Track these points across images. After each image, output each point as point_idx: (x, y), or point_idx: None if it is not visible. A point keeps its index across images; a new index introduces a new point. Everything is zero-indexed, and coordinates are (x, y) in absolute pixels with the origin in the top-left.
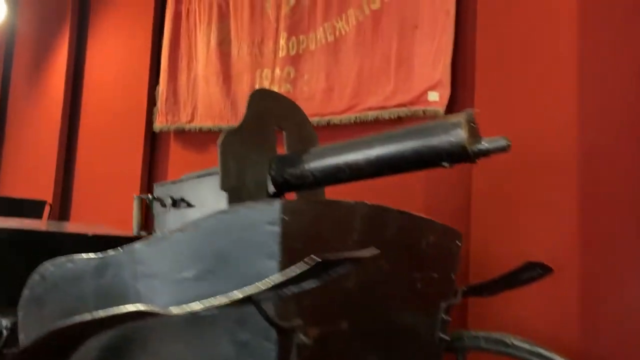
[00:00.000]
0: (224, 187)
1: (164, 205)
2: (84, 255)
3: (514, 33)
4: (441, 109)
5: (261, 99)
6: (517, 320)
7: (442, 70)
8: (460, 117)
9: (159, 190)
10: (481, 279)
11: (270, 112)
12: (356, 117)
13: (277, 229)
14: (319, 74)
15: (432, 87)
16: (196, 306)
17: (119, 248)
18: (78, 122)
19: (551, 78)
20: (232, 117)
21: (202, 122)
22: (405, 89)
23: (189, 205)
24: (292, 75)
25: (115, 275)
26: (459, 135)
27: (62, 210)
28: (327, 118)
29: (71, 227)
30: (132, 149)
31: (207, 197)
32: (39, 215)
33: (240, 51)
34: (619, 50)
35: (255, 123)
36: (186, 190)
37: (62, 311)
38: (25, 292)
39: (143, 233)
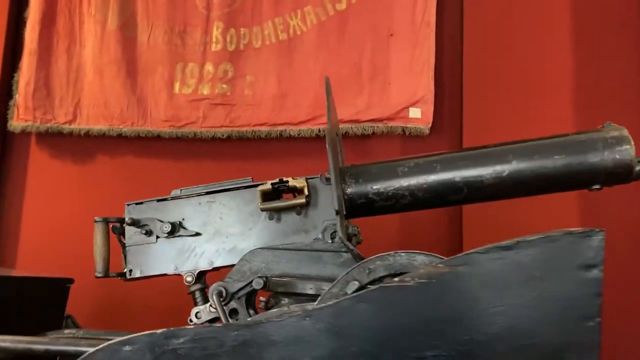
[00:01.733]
0: (340, 207)
1: (147, 232)
2: (220, 327)
3: (504, 48)
4: (426, 127)
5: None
6: None
7: (425, 85)
8: (619, 131)
9: (135, 211)
10: None
11: (335, 111)
12: (320, 130)
13: (598, 273)
14: (267, 76)
15: (414, 103)
16: None
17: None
18: None
19: (545, 94)
20: (139, 118)
21: (91, 123)
22: (381, 103)
23: (197, 233)
24: (230, 75)
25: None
26: (627, 152)
27: None
28: (279, 129)
29: None
30: None
31: (225, 221)
32: None
33: (151, 38)
34: (616, 56)
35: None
36: (188, 212)
37: None
38: None
39: (112, 274)
